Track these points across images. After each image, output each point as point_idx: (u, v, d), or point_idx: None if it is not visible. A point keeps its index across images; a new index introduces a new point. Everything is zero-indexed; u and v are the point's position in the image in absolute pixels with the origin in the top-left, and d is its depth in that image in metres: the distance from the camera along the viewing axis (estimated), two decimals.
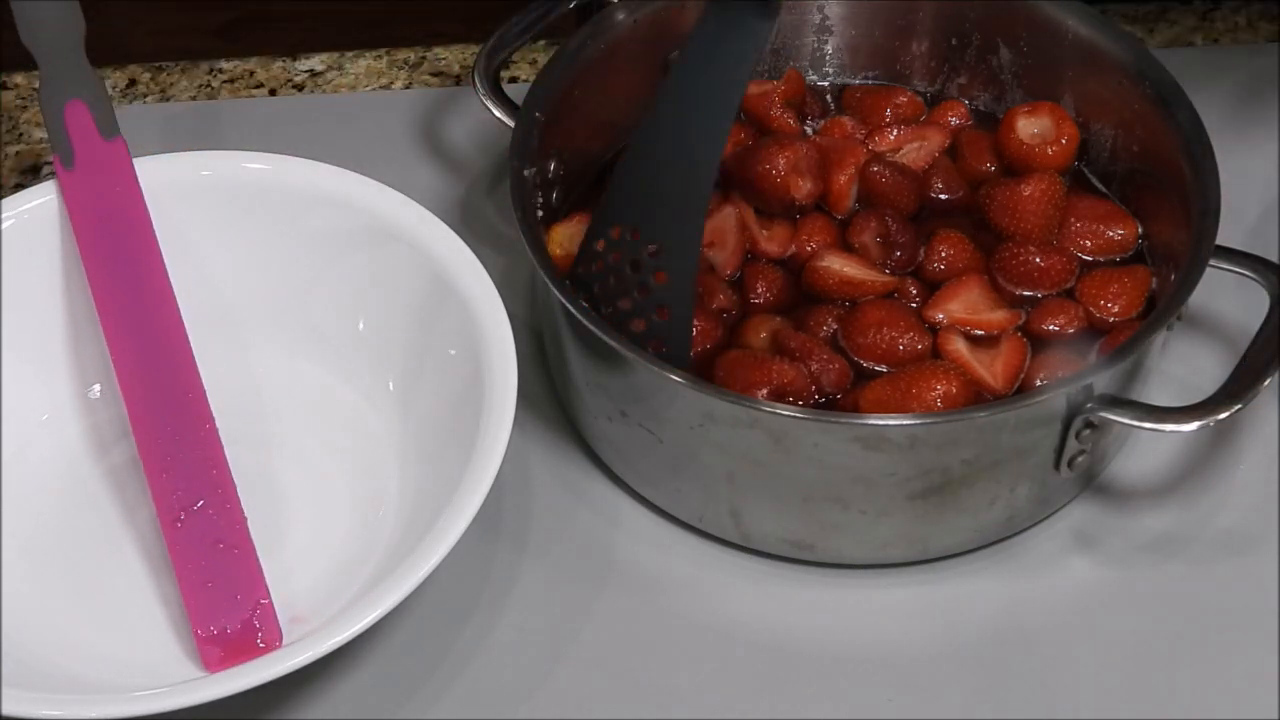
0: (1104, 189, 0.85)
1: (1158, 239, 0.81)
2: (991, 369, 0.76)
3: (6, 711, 0.64)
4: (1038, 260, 0.79)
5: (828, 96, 0.90)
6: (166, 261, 0.78)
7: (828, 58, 0.91)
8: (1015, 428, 0.71)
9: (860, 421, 0.71)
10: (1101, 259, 0.81)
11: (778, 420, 0.70)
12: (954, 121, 0.87)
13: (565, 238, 0.81)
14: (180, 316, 0.78)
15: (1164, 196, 0.80)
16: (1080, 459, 0.73)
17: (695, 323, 0.75)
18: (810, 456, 0.71)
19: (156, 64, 1.00)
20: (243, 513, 0.73)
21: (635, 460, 0.77)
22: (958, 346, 0.76)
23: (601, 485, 0.79)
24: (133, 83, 0.99)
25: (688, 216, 0.72)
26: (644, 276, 0.73)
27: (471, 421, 0.72)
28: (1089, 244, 0.81)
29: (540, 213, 0.80)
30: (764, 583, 0.75)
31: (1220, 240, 0.75)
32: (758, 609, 0.75)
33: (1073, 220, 0.81)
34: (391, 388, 0.80)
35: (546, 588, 0.75)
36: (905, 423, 0.70)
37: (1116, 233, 0.81)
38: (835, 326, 0.78)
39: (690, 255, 0.72)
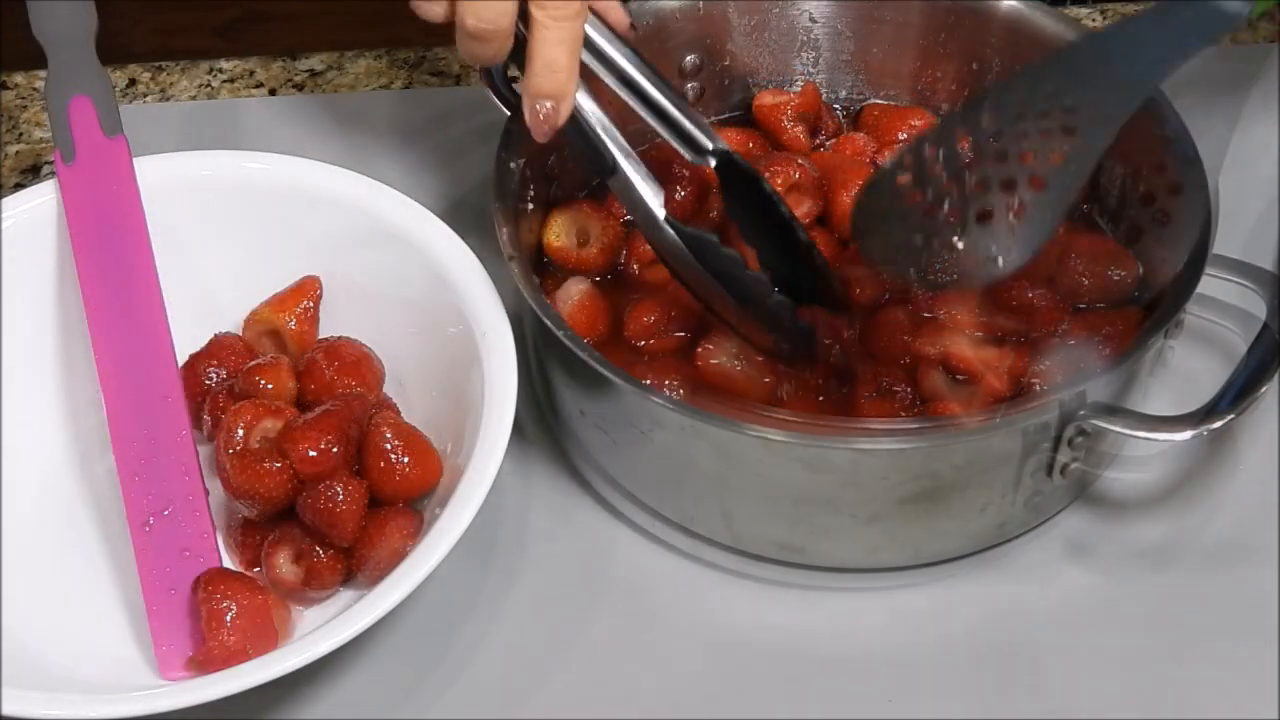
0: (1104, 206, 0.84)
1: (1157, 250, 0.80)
2: (996, 368, 0.75)
3: (6, 711, 0.64)
4: (1029, 296, 0.78)
5: (840, 112, 0.90)
6: (165, 261, 0.78)
7: (848, 76, 0.90)
8: (1006, 435, 0.71)
9: (845, 434, 0.71)
10: (1100, 301, 0.79)
11: (762, 435, 0.70)
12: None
13: (563, 227, 0.81)
14: (166, 321, 0.77)
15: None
16: (1073, 467, 0.73)
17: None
18: (799, 459, 0.71)
19: (156, 64, 1.00)
20: (211, 522, 0.73)
21: (626, 464, 0.77)
22: (962, 346, 0.76)
23: (597, 487, 0.79)
24: (133, 82, 0.99)
25: (1119, 100, 0.67)
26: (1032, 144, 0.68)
27: (471, 422, 0.72)
28: (1087, 283, 0.79)
29: (531, 205, 0.81)
30: (755, 585, 0.76)
31: (1217, 247, 0.74)
32: (748, 611, 0.75)
33: (1072, 257, 0.79)
34: (391, 388, 0.80)
35: (542, 589, 0.76)
36: (893, 429, 0.70)
37: (1117, 273, 0.79)
38: (857, 328, 0.77)
39: (1107, 129, 0.67)
